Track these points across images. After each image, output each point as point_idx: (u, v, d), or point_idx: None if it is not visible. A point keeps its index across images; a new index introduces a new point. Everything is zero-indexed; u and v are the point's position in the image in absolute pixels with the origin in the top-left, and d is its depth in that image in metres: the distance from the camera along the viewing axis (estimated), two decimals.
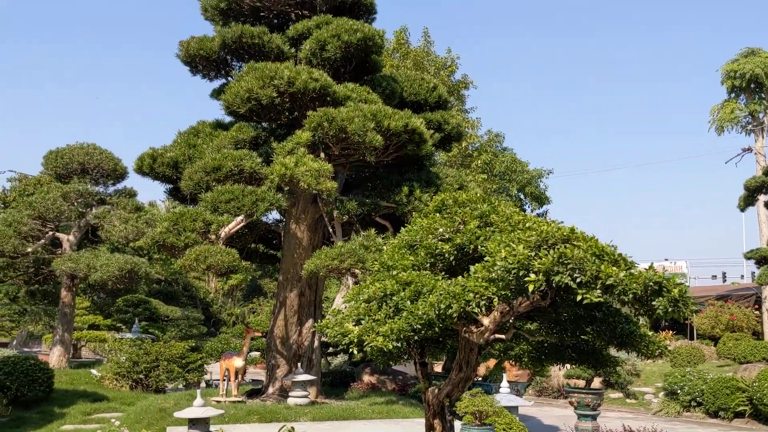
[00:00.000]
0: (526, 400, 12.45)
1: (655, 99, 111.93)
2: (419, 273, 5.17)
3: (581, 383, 11.60)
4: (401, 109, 13.20)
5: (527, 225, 4.63)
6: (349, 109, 12.22)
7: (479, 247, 4.84)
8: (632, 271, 3.95)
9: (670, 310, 3.96)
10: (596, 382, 12.59)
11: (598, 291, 4.00)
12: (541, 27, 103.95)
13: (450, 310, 4.44)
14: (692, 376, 17.42)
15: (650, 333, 4.77)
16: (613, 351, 5.45)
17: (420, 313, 4.60)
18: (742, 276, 38.73)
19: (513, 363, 17.50)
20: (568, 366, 13.48)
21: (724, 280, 40.18)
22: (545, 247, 4.35)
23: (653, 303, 3.98)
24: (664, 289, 3.93)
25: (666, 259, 42.50)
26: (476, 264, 4.62)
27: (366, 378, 17.15)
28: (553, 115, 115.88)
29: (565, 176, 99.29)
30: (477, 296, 4.39)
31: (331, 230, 13.32)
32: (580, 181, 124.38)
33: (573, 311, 4.84)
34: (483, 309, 4.39)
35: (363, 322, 4.84)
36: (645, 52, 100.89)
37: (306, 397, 12.89)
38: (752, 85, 24.37)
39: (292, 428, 8.27)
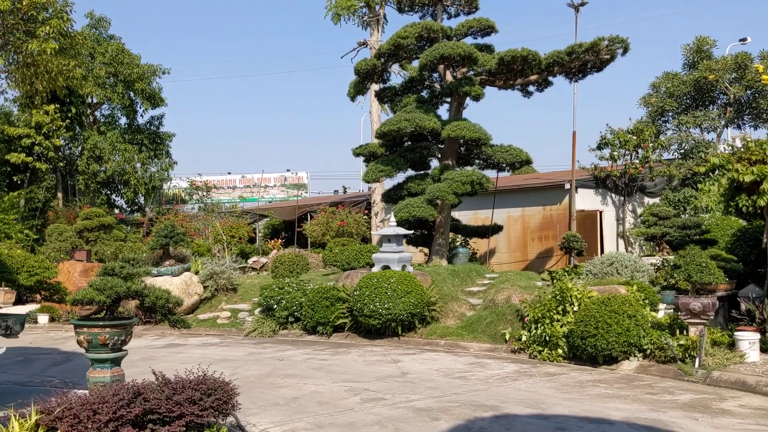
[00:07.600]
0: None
1: None
2: None
3: (93, 309, 7.21)
4: None
5: None
6: None
7: None
8: None
9: None
10: (131, 305, 8.56)
11: None
12: None
13: None
14: (291, 288, 14.73)
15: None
16: None
17: None
18: (361, 190, 39.14)
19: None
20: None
21: (345, 193, 40.36)
22: None
23: None
24: None
25: (288, 170, 41.08)
26: None
27: None
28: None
29: (191, 81, 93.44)
30: None
31: None
32: (211, 89, 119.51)
33: None
34: None
35: None
36: None
37: None
38: None
39: None
